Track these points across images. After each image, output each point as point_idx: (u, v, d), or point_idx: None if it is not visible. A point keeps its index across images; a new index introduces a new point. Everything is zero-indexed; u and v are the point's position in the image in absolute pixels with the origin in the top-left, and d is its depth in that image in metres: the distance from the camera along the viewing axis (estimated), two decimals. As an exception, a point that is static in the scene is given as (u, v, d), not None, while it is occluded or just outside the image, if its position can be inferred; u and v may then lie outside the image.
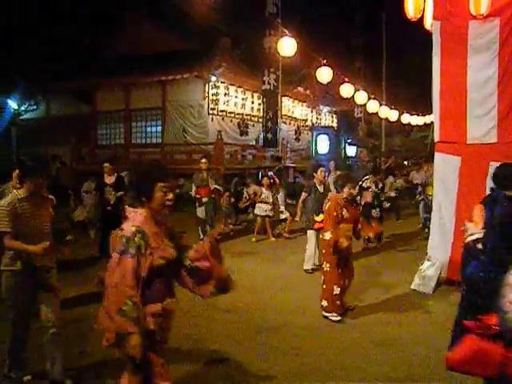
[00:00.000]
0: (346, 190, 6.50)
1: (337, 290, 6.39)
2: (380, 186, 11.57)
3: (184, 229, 11.85)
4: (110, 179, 9.98)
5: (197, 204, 11.14)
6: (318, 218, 7.28)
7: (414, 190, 16.38)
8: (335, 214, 6.37)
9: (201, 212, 11.11)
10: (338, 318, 6.39)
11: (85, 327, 5.67)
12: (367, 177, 11.58)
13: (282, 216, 12.58)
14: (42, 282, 4.50)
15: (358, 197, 10.63)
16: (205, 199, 11.02)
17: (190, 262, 3.44)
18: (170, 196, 3.28)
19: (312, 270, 8.99)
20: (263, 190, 12.33)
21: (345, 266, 6.52)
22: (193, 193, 11.22)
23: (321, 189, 9.27)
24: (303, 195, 9.60)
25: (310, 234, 9.11)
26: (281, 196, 12.86)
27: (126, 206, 3.39)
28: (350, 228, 6.58)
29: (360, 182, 11.08)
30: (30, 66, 18.78)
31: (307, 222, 9.21)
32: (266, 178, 12.62)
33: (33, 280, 4.43)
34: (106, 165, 10.08)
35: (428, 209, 12.62)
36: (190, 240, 10.44)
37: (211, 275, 3.50)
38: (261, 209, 12.13)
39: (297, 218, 9.90)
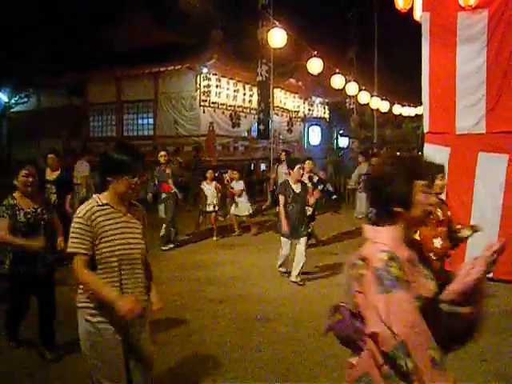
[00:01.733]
0: (437, 182, 5.07)
1: None
2: (315, 179, 10.12)
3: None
4: (51, 175, 8.43)
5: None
6: None
7: None
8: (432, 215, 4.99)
9: (161, 210, 10.36)
10: None
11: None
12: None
13: (246, 212, 11.90)
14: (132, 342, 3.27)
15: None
16: (164, 195, 10.24)
17: (448, 302, 2.21)
18: (432, 200, 2.24)
19: (286, 272, 8.09)
20: (204, 184, 11.47)
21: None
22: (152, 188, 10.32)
23: (297, 189, 7.82)
24: (280, 199, 7.84)
25: (285, 242, 7.92)
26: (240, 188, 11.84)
27: (365, 226, 2.29)
28: (445, 232, 5.14)
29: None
30: (30, 65, 18.78)
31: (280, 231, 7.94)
32: (210, 171, 11.68)
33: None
34: (51, 156, 8.47)
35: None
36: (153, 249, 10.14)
37: (471, 328, 2.25)
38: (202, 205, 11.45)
39: (284, 229, 7.71)
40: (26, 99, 22.47)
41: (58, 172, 8.48)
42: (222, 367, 4.83)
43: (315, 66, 12.74)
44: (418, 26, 8.48)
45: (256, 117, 19.43)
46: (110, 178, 3.16)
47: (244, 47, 18.80)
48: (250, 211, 12.02)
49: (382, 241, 2.14)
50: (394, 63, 26.65)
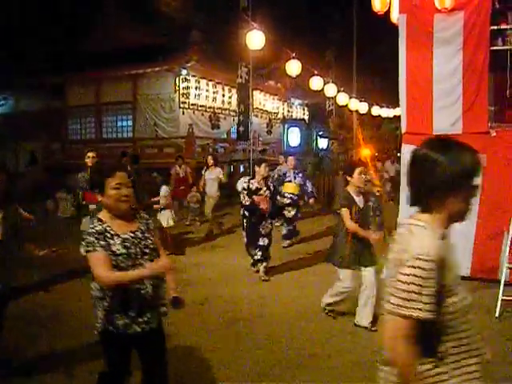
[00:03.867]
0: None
1: None
2: (272, 188, 8.31)
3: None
4: None
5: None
6: None
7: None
8: None
9: (85, 224, 7.69)
10: None
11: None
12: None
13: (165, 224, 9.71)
14: None
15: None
16: (92, 206, 7.63)
17: None
18: None
19: (333, 311, 6.25)
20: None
21: None
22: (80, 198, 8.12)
23: (360, 203, 5.81)
24: (345, 213, 5.69)
25: (347, 274, 5.79)
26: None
27: None
28: None
29: (246, 184, 8.25)
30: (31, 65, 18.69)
31: (339, 258, 5.78)
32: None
33: None
34: None
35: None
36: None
37: None
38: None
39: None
40: (3, 101, 22.24)
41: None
42: (211, 370, 4.84)
43: (293, 67, 12.76)
44: (396, 28, 8.57)
45: (235, 118, 19.45)
46: (447, 194, 2.04)
47: (223, 49, 18.84)
48: (171, 223, 9.88)
49: None
50: (373, 65, 26.82)
